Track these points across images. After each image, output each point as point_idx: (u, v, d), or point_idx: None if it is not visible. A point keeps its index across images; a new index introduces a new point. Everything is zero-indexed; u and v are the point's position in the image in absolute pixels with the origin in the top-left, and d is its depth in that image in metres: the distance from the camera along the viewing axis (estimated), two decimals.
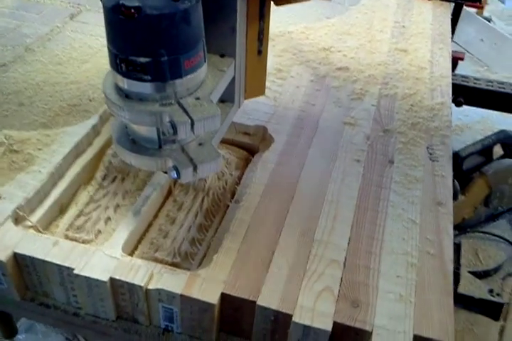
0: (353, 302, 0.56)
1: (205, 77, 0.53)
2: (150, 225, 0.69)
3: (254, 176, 0.71)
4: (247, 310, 0.56)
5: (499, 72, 1.92)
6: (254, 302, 0.55)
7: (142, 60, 0.46)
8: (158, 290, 0.55)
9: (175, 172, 0.52)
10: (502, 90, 1.27)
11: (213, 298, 0.55)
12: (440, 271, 0.60)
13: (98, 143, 0.76)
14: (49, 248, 0.58)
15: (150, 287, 0.55)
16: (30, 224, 0.63)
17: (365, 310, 0.55)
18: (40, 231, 0.64)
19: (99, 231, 0.68)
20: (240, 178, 0.74)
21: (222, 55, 0.61)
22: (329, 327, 0.53)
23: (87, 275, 0.55)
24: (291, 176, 0.71)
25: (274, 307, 0.54)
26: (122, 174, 0.75)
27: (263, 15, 0.63)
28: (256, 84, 0.69)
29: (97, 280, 0.55)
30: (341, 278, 0.58)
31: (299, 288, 0.56)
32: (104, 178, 0.75)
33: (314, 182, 0.71)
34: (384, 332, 0.53)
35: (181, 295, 0.55)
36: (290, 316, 0.54)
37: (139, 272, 0.56)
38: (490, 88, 1.26)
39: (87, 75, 0.97)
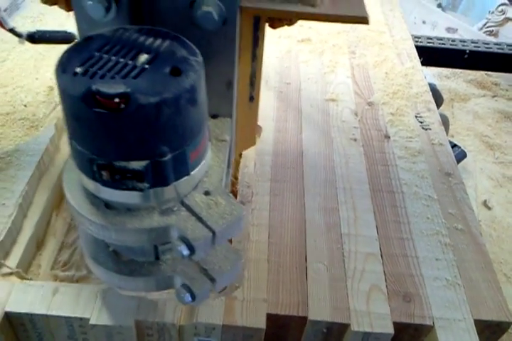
0: (404, 296, 0.52)
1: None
2: None
3: (255, 172, 0.64)
4: (295, 326, 0.51)
5: None
6: (304, 318, 0.49)
7: (136, 165, 0.32)
8: (195, 325, 0.47)
9: (187, 294, 0.38)
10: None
11: (260, 321, 0.48)
12: (474, 246, 0.58)
13: (60, 158, 0.64)
14: (49, 298, 0.48)
15: (185, 323, 0.47)
16: (9, 270, 0.52)
17: (419, 303, 0.52)
18: (25, 278, 0.53)
19: None
20: (235, 177, 0.66)
21: (214, 116, 0.47)
22: (391, 330, 0.49)
23: (107, 323, 0.46)
24: (294, 167, 0.65)
25: (327, 319, 0.49)
26: None
27: (255, 56, 0.52)
28: (247, 135, 0.58)
29: (120, 326, 0.46)
30: (384, 272, 0.54)
31: (346, 292, 0.51)
32: None
33: (320, 170, 0.65)
34: (445, 323, 0.50)
35: (223, 326, 0.47)
36: (346, 325, 0.49)
37: (167, 307, 0.48)
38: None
39: (11, 76, 0.82)
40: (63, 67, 0.32)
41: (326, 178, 0.64)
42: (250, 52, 0.49)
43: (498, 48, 1.33)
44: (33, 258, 0.57)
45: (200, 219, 0.35)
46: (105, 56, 0.32)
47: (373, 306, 0.51)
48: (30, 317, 0.47)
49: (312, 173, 0.64)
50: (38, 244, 0.58)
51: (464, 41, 1.34)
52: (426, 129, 0.73)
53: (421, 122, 0.74)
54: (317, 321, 0.49)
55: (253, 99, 0.55)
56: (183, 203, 0.36)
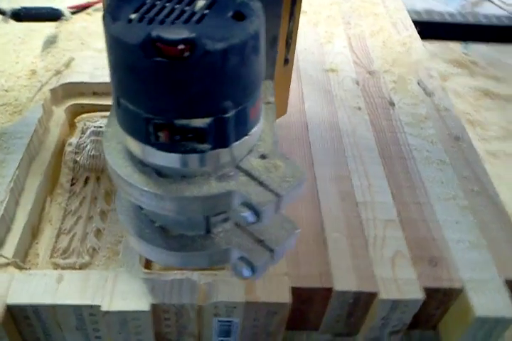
0: (429, 261, 0.50)
1: None
2: None
3: None
4: (319, 299, 0.48)
5: None
6: (329, 290, 0.47)
7: (199, 123, 0.28)
8: (216, 304, 0.44)
9: (246, 267, 0.35)
10: None
11: (284, 296, 0.45)
12: (492, 207, 0.56)
13: (51, 141, 0.60)
14: (53, 287, 0.44)
15: (204, 303, 0.44)
16: (6, 261, 0.47)
17: (446, 266, 0.49)
18: (24, 268, 0.49)
19: (94, 249, 0.53)
20: None
21: None
22: (421, 295, 0.46)
23: (121, 309, 0.42)
24: (299, 138, 0.62)
25: (354, 289, 0.46)
26: (95, 172, 0.60)
27: (293, 14, 0.46)
28: (279, 103, 0.52)
29: (136, 311, 0.43)
30: (405, 238, 0.52)
31: (369, 260, 0.49)
32: (72, 182, 0.59)
33: (326, 139, 0.62)
34: (475, 284, 0.48)
35: (246, 303, 0.44)
36: (374, 294, 0.47)
37: (184, 288, 0.45)
38: None
39: None
40: (113, 15, 0.28)
41: (333, 147, 0.61)
42: (289, 9, 0.44)
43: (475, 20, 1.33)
44: (30, 247, 0.53)
45: (261, 183, 0.31)
46: (158, 2, 0.28)
47: (399, 272, 0.48)
48: (35, 308, 0.43)
49: (319, 143, 0.61)
50: (33, 231, 0.54)
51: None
52: (429, 95, 0.70)
53: (424, 88, 0.71)
54: (343, 292, 0.46)
55: (288, 61, 0.50)
56: (239, 168, 0.32)
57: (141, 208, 0.39)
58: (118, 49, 0.27)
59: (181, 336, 0.48)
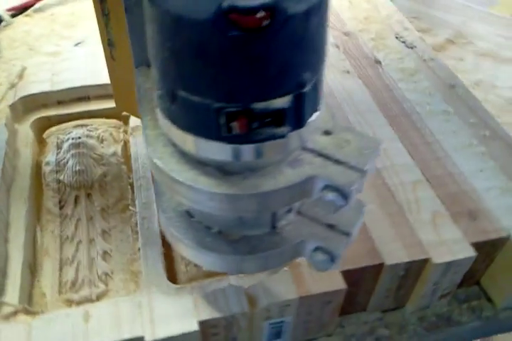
0: (469, 215, 0.47)
1: None
2: None
3: None
4: (369, 277, 0.44)
5: None
6: (380, 266, 0.43)
7: (279, 103, 0.24)
8: (268, 307, 0.40)
9: (325, 257, 0.31)
10: None
11: (338, 283, 0.41)
12: (508, 148, 0.54)
13: (24, 163, 0.53)
14: (83, 327, 0.38)
15: (255, 309, 0.40)
16: (12, 309, 0.41)
17: (486, 217, 0.47)
18: (35, 312, 0.42)
19: (107, 275, 0.47)
20: None
21: None
22: (473, 253, 0.44)
23: (168, 335, 0.37)
24: None
25: (406, 259, 0.43)
26: (84, 189, 0.53)
27: None
28: None
29: (185, 334, 0.38)
30: (438, 196, 0.49)
31: (410, 227, 0.46)
32: (61, 205, 0.52)
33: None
34: None
35: (300, 298, 0.40)
36: (426, 260, 0.44)
37: (230, 296, 0.40)
38: None
39: None
40: None
41: (335, 116, 0.57)
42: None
43: None
44: (32, 287, 0.46)
45: (339, 162, 0.28)
46: None
47: (444, 233, 0.45)
48: None
49: None
50: (31, 269, 0.47)
51: None
52: (411, 47, 0.68)
53: (403, 42, 0.68)
54: (395, 264, 0.43)
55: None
56: (307, 149, 0.28)
57: (191, 216, 0.34)
58: (179, 29, 0.22)
59: None
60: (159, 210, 0.35)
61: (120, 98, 0.46)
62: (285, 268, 0.42)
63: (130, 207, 0.51)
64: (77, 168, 0.53)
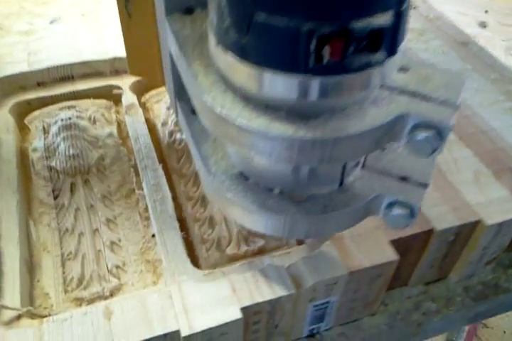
0: (510, 170, 0.43)
1: None
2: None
3: None
4: (417, 246, 0.40)
5: None
6: (430, 232, 0.39)
7: (379, 20, 0.20)
8: (316, 286, 0.35)
9: (405, 212, 0.28)
10: None
11: (389, 253, 0.37)
12: None
13: (8, 151, 0.46)
14: (105, 326, 0.32)
15: (300, 289, 0.35)
16: (16, 312, 0.35)
17: None
18: (41, 315, 0.36)
19: (118, 267, 0.42)
20: None
21: None
22: None
23: (208, 326, 0.32)
24: None
25: (456, 223, 0.39)
26: (81, 175, 0.47)
27: None
28: None
29: (227, 324, 0.32)
30: (475, 155, 0.45)
31: (454, 188, 0.42)
32: (55, 195, 0.46)
33: None
34: None
35: (350, 273, 0.35)
36: (477, 222, 0.40)
37: (272, 278, 0.35)
38: None
39: None
40: None
41: None
42: None
43: None
44: (33, 288, 0.40)
45: (427, 98, 0.24)
46: None
47: (490, 192, 0.41)
48: None
49: None
50: (28, 267, 0.41)
51: None
52: (413, 8, 0.64)
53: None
54: (445, 229, 0.39)
55: None
56: (387, 87, 0.24)
57: (245, 178, 0.29)
58: None
59: (270, 338, 0.39)
60: (205, 175, 0.30)
61: (134, 61, 0.40)
62: (327, 242, 0.37)
63: (136, 191, 0.45)
64: (71, 151, 0.46)
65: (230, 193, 0.28)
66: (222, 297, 0.33)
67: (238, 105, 0.24)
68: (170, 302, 0.33)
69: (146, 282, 0.40)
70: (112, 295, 0.40)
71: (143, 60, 0.38)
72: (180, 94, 0.33)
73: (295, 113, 0.23)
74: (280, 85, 0.22)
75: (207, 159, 0.30)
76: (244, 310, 0.33)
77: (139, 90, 0.56)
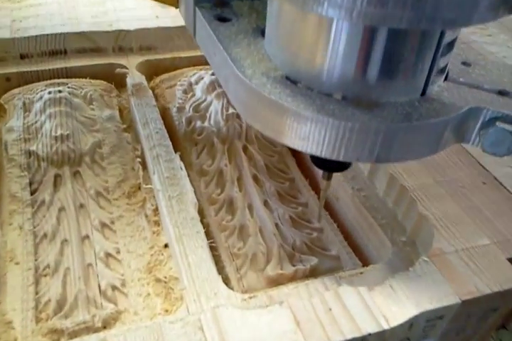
0: None
1: None
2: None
3: None
4: None
5: None
6: None
7: None
8: (414, 320, 0.24)
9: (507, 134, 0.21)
10: None
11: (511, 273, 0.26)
12: None
13: None
14: None
15: (395, 323, 0.23)
16: None
17: None
18: None
19: (115, 288, 0.30)
20: None
21: None
22: None
23: None
24: None
25: None
26: (69, 165, 0.35)
27: None
28: None
29: None
30: None
31: None
32: (33, 189, 0.34)
33: None
34: None
35: (463, 303, 0.24)
36: None
37: (351, 308, 0.23)
38: None
39: None
40: None
41: None
42: None
43: None
44: (3, 314, 0.28)
45: (500, 92, 0.23)
46: None
47: None
48: None
49: None
50: None
51: None
52: None
53: None
54: None
55: None
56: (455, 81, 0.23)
57: (293, 82, 0.22)
58: None
59: None
60: (237, 79, 0.23)
61: None
62: (425, 258, 0.26)
63: (143, 186, 0.34)
64: (58, 132, 0.35)
65: (275, 96, 0.21)
66: (280, 332, 0.22)
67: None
68: (201, 337, 0.21)
69: (155, 309, 0.28)
70: (105, 327, 0.28)
71: None
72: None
73: None
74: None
75: (239, 61, 0.23)
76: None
77: (148, 72, 0.45)
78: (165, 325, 0.22)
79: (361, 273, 0.27)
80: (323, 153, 0.21)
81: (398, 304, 0.24)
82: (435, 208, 0.29)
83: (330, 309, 0.23)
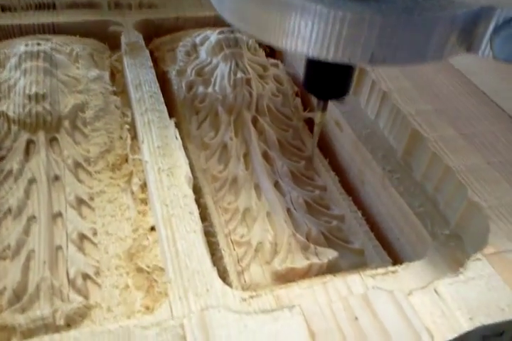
0: None
1: None
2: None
3: None
4: None
5: None
6: None
7: None
8: (469, 337, 0.18)
9: None
10: None
11: None
12: None
13: None
14: None
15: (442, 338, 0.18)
16: None
17: None
18: None
19: (86, 277, 0.24)
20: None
21: None
22: None
23: None
24: None
25: None
26: (45, 130, 0.30)
27: None
28: None
29: None
30: None
31: None
32: (1, 155, 0.29)
33: None
34: None
35: None
36: None
37: (384, 316, 0.18)
38: None
39: None
40: None
41: None
42: None
43: None
44: None
45: None
46: None
47: None
48: None
49: None
50: None
51: None
52: None
53: None
54: None
55: None
56: None
57: None
58: None
59: None
60: None
61: None
62: (479, 257, 0.20)
63: (130, 157, 0.28)
64: (33, 90, 0.29)
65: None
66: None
67: None
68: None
69: (133, 306, 0.23)
70: (68, 325, 0.22)
71: None
72: None
73: None
74: None
75: None
76: None
77: (147, 32, 0.40)
78: (135, 330, 0.16)
79: (393, 271, 0.22)
80: (311, 50, 0.18)
81: (446, 315, 0.18)
82: (489, 194, 0.23)
83: (356, 318, 0.18)
